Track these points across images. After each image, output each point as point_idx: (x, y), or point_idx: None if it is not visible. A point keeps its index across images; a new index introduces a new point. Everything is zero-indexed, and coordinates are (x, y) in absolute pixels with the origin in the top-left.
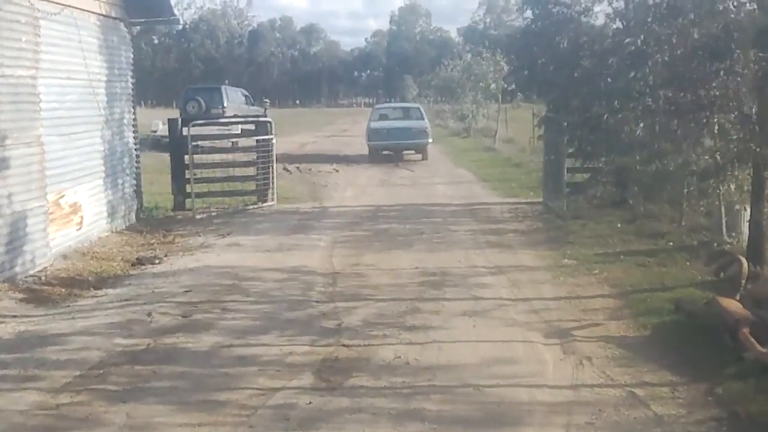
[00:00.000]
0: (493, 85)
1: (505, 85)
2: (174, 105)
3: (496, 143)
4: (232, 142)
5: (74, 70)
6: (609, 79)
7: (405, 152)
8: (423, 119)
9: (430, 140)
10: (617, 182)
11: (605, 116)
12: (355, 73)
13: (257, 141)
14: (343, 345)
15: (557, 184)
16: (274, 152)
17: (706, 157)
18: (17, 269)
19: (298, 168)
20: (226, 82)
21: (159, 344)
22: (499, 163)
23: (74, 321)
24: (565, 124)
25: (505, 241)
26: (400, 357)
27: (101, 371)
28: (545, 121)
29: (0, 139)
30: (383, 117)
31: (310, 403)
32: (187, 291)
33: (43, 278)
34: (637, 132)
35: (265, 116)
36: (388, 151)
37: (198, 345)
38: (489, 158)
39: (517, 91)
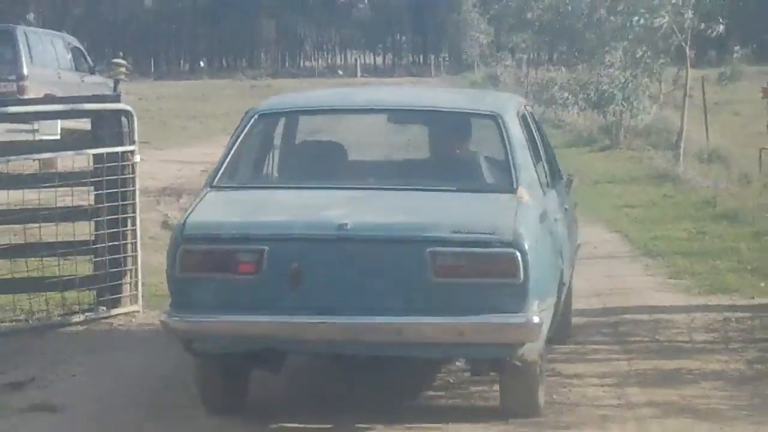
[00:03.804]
0: (665, 21)
1: (701, 24)
2: None
3: (680, 164)
4: (40, 162)
5: None
6: None
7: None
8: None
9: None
10: None
11: None
12: None
13: (98, 159)
14: None
15: None
16: (137, 186)
17: None
18: None
19: None
20: (30, 17)
21: None
22: (687, 213)
23: None
24: None
25: (698, 401)
26: None
27: None
28: None
29: None
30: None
31: None
32: None
33: None
34: None
35: (118, 99)
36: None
37: None
38: (663, 200)
39: (730, 38)
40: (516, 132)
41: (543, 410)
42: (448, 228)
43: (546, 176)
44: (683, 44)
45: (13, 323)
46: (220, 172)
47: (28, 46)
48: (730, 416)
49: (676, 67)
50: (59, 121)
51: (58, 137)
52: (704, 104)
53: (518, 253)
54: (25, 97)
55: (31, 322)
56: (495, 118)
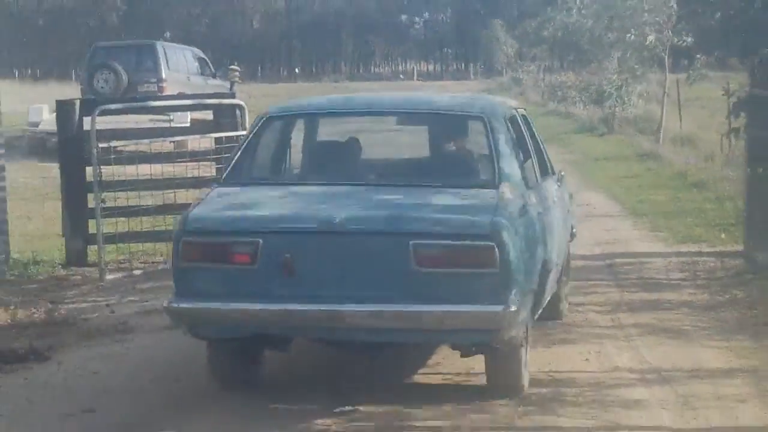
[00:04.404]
0: (651, 38)
1: (676, 39)
2: (74, 76)
3: (660, 145)
4: (174, 143)
5: None
6: None
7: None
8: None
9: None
10: None
11: None
12: (403, 18)
13: (218, 141)
14: None
15: None
16: None
17: None
18: None
19: None
20: (167, 35)
21: None
22: (665, 183)
23: None
24: None
25: (672, 323)
26: None
27: None
28: (749, 104)
29: None
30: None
31: None
32: (86, 412)
33: None
34: None
35: (233, 96)
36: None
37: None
38: (647, 172)
39: (697, 50)
40: (501, 133)
41: (526, 389)
42: (430, 222)
43: (534, 172)
44: (663, 54)
45: (155, 264)
46: (229, 169)
47: (166, 56)
48: (697, 335)
49: (658, 72)
50: (189, 113)
51: (188, 125)
52: (678, 100)
53: (495, 245)
54: (164, 95)
55: (167, 264)
56: (482, 120)
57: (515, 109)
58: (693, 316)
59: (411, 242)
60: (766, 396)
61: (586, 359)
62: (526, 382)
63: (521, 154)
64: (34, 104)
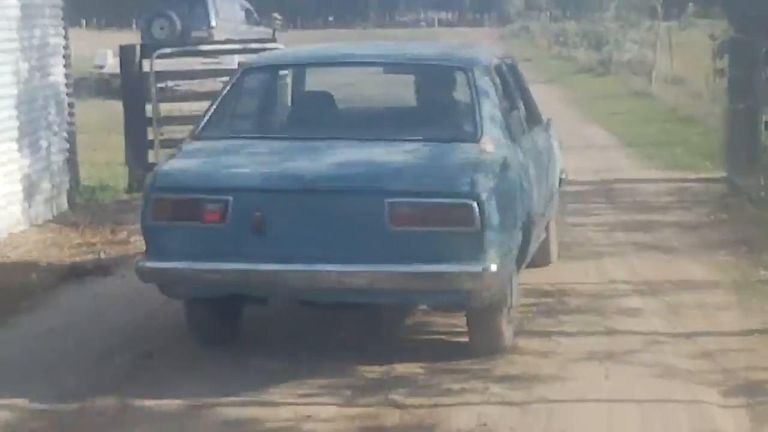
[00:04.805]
0: None
1: None
2: (134, 25)
3: (652, 85)
4: (223, 83)
5: None
6: None
7: None
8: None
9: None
10: None
11: None
12: None
13: None
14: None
15: (750, 150)
16: None
17: None
18: None
19: None
20: None
21: (98, 405)
22: (657, 117)
23: None
24: (766, 50)
25: (662, 241)
26: (485, 425)
27: None
28: (731, 48)
29: None
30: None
31: None
32: (148, 319)
33: None
34: None
35: (275, 41)
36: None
37: (163, 406)
38: (640, 108)
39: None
40: (484, 84)
41: (509, 347)
42: (406, 179)
43: (521, 123)
44: (656, 4)
45: None
46: (203, 123)
47: (215, 6)
48: (684, 251)
49: (651, 20)
50: (236, 56)
51: (235, 67)
52: (669, 45)
53: (474, 203)
54: (213, 40)
55: None
56: (464, 71)
57: (502, 59)
58: (681, 234)
59: (386, 200)
60: (745, 304)
61: (587, 273)
62: (509, 340)
63: (506, 106)
64: (100, 49)
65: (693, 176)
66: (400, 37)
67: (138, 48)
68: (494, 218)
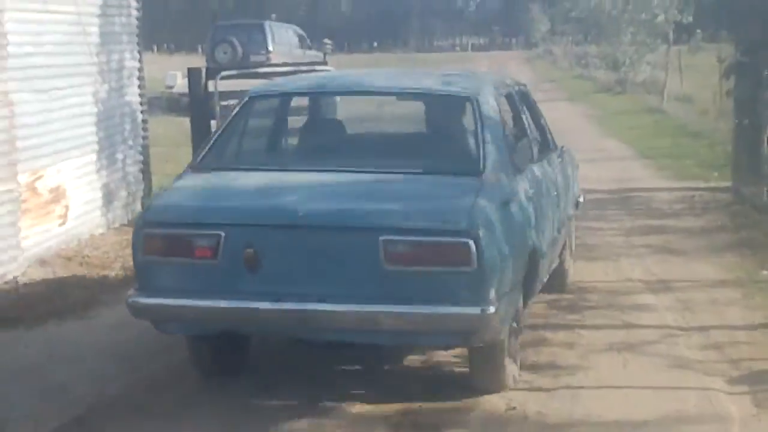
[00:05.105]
0: (660, 17)
1: (680, 17)
2: (200, 50)
3: (664, 102)
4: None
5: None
6: None
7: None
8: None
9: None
10: None
11: None
12: (459, 3)
13: None
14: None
15: (754, 162)
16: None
17: None
18: None
19: None
20: (273, 17)
21: (171, 395)
22: (669, 132)
23: (51, 356)
24: None
25: (674, 244)
26: (514, 408)
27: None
28: (737, 70)
29: None
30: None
31: None
32: None
33: (10, 293)
34: None
35: (326, 64)
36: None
37: (225, 396)
38: (654, 124)
39: (696, 26)
40: (490, 114)
41: (511, 384)
42: (401, 216)
43: (530, 151)
44: (668, 30)
45: None
46: (203, 153)
47: (272, 33)
48: (694, 253)
49: (664, 44)
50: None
51: None
52: (680, 67)
53: (472, 242)
54: (270, 63)
55: None
56: (470, 100)
57: (512, 86)
58: (691, 238)
59: (380, 238)
60: (749, 301)
61: (605, 272)
62: (511, 376)
63: (513, 135)
64: (170, 71)
65: (702, 185)
66: (435, 60)
67: (204, 70)
68: (493, 257)
